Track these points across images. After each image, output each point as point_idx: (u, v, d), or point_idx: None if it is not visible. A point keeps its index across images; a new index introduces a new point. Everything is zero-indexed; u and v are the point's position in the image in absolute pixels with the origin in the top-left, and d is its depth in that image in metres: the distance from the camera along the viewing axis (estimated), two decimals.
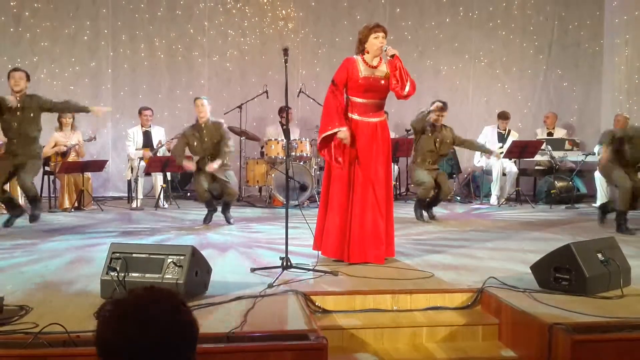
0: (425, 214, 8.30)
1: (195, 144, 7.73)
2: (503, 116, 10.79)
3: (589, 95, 12.46)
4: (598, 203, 9.88)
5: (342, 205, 5.31)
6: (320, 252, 5.34)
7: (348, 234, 5.25)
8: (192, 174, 8.24)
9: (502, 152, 10.40)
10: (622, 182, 7.32)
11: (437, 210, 8.73)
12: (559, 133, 11.53)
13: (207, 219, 7.84)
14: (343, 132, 5.24)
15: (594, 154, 10.18)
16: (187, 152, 7.91)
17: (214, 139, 7.71)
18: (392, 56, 5.27)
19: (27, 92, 7.12)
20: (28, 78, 7.17)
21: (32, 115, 7.07)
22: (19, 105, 6.97)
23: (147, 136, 10.11)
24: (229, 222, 7.83)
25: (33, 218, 7.16)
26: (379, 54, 5.33)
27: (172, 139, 10.02)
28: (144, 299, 1.71)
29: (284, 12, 11.92)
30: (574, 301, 3.95)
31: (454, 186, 11.59)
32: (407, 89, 5.24)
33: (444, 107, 8.30)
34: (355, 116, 5.34)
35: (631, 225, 7.31)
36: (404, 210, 8.84)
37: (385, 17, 11.88)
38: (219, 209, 7.90)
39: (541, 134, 11.48)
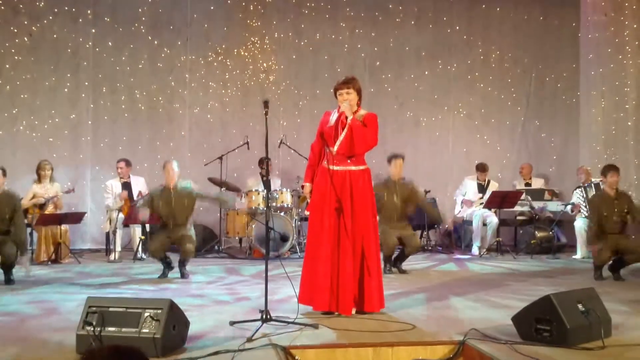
0: (394, 268, 8.18)
1: (161, 205, 7.68)
2: (481, 168, 10.93)
3: (567, 146, 12.63)
4: (579, 254, 9.92)
5: (311, 254, 5.35)
6: (300, 303, 5.28)
7: (317, 281, 5.23)
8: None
9: (482, 203, 10.49)
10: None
11: (418, 261, 8.70)
12: (537, 183, 11.63)
13: (163, 275, 7.67)
14: (306, 187, 5.58)
15: (572, 204, 10.26)
16: None
17: (183, 202, 7.71)
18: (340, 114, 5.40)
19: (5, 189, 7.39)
20: (4, 174, 7.37)
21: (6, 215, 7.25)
22: None
23: (126, 188, 10.02)
24: (183, 277, 7.61)
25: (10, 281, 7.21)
26: (344, 110, 5.37)
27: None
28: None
29: (265, 64, 12.04)
30: (556, 352, 3.93)
31: (435, 237, 11.61)
32: (334, 148, 5.35)
33: (398, 157, 8.29)
34: (326, 164, 5.39)
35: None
36: None
37: (365, 70, 12.05)
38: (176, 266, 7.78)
39: (519, 185, 11.57)
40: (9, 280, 7.18)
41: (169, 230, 7.68)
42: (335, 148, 5.34)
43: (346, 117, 5.32)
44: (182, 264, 7.71)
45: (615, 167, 7.96)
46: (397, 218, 8.15)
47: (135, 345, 3.53)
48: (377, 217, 6.63)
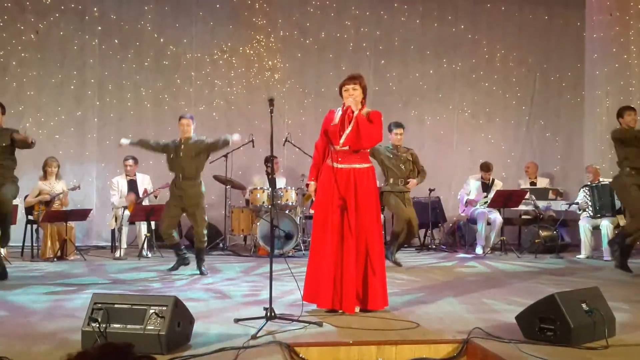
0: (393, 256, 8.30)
1: (170, 157, 7.85)
2: (485, 167, 10.91)
3: (571, 145, 12.62)
4: (583, 253, 9.90)
5: (316, 250, 5.35)
6: (304, 301, 5.29)
7: (321, 279, 5.23)
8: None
9: (486, 202, 10.49)
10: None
11: (422, 259, 8.68)
12: (542, 182, 11.63)
13: (174, 267, 7.76)
14: (311, 186, 5.55)
15: (577, 203, 10.25)
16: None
17: (191, 154, 7.76)
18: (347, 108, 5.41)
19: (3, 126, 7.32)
20: (3, 112, 7.36)
21: (4, 145, 7.16)
22: None
23: (132, 185, 10.07)
24: (201, 273, 7.65)
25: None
26: (350, 105, 5.38)
27: (159, 187, 9.99)
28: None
29: (270, 62, 12.06)
30: (559, 352, 3.93)
31: (439, 235, 11.62)
32: (340, 141, 5.35)
33: (398, 125, 8.50)
34: (331, 163, 5.38)
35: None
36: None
37: (370, 69, 12.06)
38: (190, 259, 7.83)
39: (524, 184, 11.58)
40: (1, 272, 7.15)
41: (178, 190, 7.75)
42: (342, 141, 5.33)
43: (352, 112, 5.35)
44: (199, 257, 7.76)
45: (631, 107, 7.66)
46: (403, 181, 8.46)
47: (140, 342, 3.58)
48: (381, 186, 6.78)
